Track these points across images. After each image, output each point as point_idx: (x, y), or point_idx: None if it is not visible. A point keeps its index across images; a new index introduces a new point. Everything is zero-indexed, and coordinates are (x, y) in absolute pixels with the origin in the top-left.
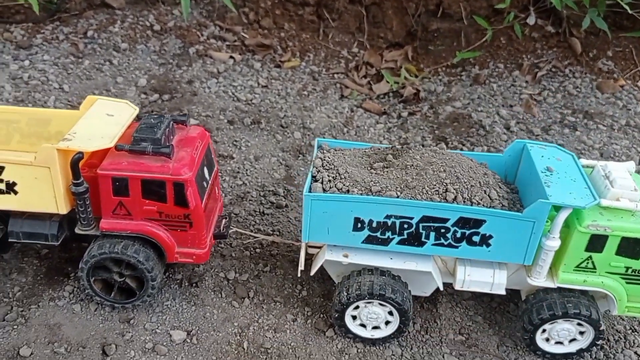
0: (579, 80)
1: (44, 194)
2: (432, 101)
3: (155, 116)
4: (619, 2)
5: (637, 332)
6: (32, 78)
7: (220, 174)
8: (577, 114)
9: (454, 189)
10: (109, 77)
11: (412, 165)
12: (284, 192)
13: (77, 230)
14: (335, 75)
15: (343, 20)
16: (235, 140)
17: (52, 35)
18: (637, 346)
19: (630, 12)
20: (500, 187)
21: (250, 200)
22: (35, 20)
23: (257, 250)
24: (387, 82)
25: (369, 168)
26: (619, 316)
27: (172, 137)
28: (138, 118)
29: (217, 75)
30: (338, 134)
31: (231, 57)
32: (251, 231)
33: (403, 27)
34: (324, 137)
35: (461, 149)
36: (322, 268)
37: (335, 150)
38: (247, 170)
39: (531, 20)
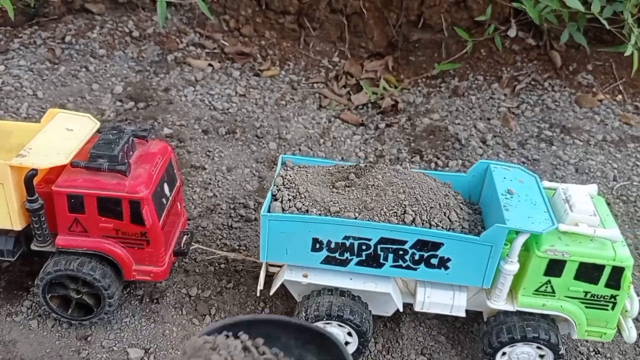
0: (558, 94)
1: None
2: (410, 113)
3: (115, 131)
4: (598, 17)
5: (600, 354)
6: (6, 84)
7: (190, 185)
8: (554, 128)
9: (413, 211)
10: (84, 84)
11: (373, 185)
12: (254, 204)
13: (33, 247)
14: (315, 85)
15: (324, 30)
16: (209, 151)
17: (30, 40)
18: None
19: (608, 27)
20: (461, 209)
21: (219, 213)
22: (14, 24)
23: (222, 265)
24: (366, 92)
25: (331, 187)
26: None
27: (131, 153)
28: (99, 132)
29: (195, 83)
30: (314, 145)
31: (210, 65)
32: (217, 246)
33: (384, 37)
34: (299, 148)
35: (435, 163)
36: (284, 286)
37: (299, 168)
38: (218, 181)
39: (512, 33)
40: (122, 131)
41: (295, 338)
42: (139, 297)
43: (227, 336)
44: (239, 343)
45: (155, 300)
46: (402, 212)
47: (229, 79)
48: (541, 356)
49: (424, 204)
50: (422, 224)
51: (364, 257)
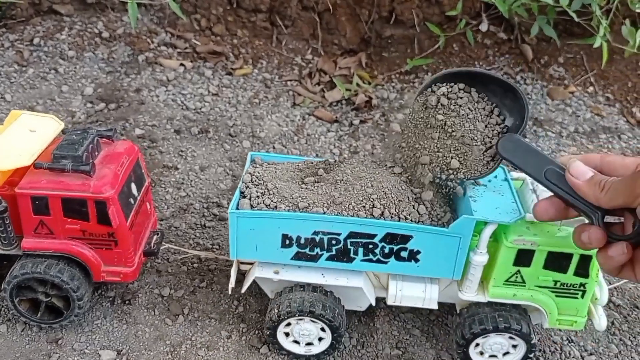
0: (530, 87)
1: None
2: (384, 108)
3: (79, 132)
4: (566, 10)
5: (574, 343)
6: None
7: (163, 185)
8: None
9: (381, 204)
10: (54, 86)
11: (342, 180)
12: (227, 203)
13: None
14: (288, 83)
15: (296, 27)
16: (181, 150)
17: None
18: (573, 357)
19: (577, 20)
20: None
21: (192, 212)
22: None
23: (195, 265)
24: (340, 89)
25: (299, 183)
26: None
27: (96, 153)
28: (64, 133)
29: (167, 83)
30: (288, 143)
31: (182, 64)
32: (189, 246)
33: (357, 34)
34: (273, 146)
35: None
36: (257, 283)
37: (268, 165)
38: (191, 181)
39: (483, 27)
40: (86, 131)
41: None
42: (111, 298)
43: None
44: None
45: (127, 302)
46: (371, 206)
47: (202, 79)
48: (514, 346)
49: (392, 197)
50: (391, 217)
51: (334, 252)
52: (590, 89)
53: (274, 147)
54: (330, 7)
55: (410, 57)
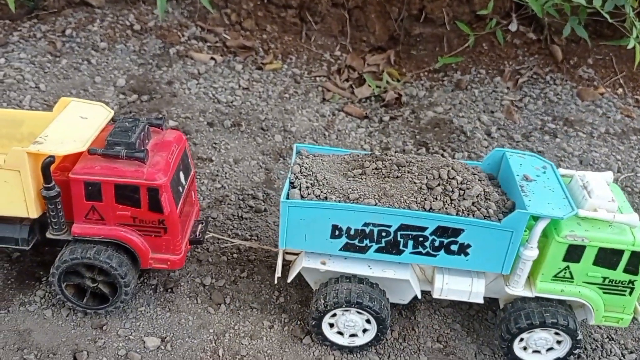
0: (560, 87)
1: (14, 197)
2: (413, 106)
3: (130, 119)
4: (599, 10)
5: (614, 341)
6: (8, 76)
7: (198, 177)
8: (557, 120)
9: (433, 197)
10: (86, 77)
11: (391, 172)
12: (263, 196)
13: (48, 235)
14: (317, 79)
15: (326, 23)
16: (215, 143)
17: (30, 33)
18: (614, 355)
19: (610, 20)
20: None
21: (228, 204)
22: (12, 17)
23: (235, 255)
24: (369, 86)
25: (347, 175)
26: (596, 325)
27: (147, 141)
28: (113, 121)
29: (198, 76)
30: (319, 138)
31: (212, 58)
32: (229, 236)
33: (386, 31)
34: (304, 141)
35: (442, 155)
36: (299, 274)
37: (314, 156)
38: (226, 173)
39: (513, 27)
40: (137, 119)
41: None
42: (153, 286)
43: None
44: None
45: (169, 290)
46: (423, 199)
47: (232, 72)
48: (558, 342)
49: (447, 190)
50: (446, 209)
51: (383, 244)
52: (620, 90)
53: (305, 142)
54: (365, 4)
55: (440, 56)
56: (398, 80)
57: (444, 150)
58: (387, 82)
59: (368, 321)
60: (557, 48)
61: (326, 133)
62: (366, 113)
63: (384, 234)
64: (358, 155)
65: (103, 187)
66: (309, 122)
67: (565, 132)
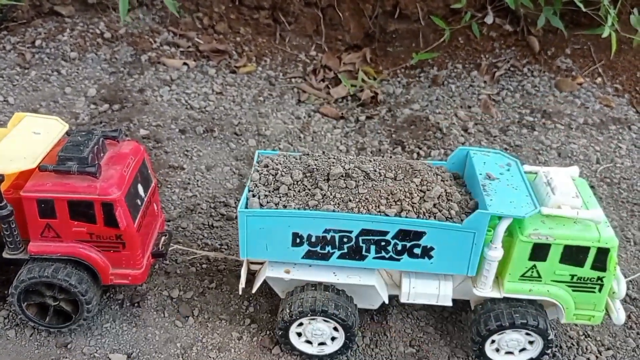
0: (538, 79)
1: None
2: (390, 104)
3: (84, 133)
4: (573, 0)
5: (590, 338)
6: None
7: (169, 186)
8: (535, 113)
9: (394, 201)
10: (56, 88)
11: (353, 177)
12: (235, 202)
13: (5, 255)
14: (293, 80)
15: (300, 24)
16: (187, 150)
17: None
18: (590, 352)
19: (584, 10)
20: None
21: (199, 212)
22: None
23: (204, 266)
24: (345, 85)
25: (308, 181)
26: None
27: (101, 154)
28: (68, 135)
29: (170, 82)
30: (294, 141)
31: (185, 63)
32: (198, 246)
33: (361, 29)
34: (279, 144)
35: (418, 153)
36: (267, 283)
37: (275, 163)
38: (197, 181)
39: (489, 20)
40: (91, 133)
41: None
42: (119, 301)
43: None
44: None
45: (136, 304)
46: (384, 203)
47: (205, 77)
48: (530, 342)
49: (405, 193)
50: (406, 213)
51: (345, 250)
52: (599, 80)
53: (280, 145)
54: (334, 3)
55: (416, 52)
56: (374, 79)
57: (420, 149)
58: (363, 80)
59: (335, 329)
60: (533, 39)
61: (301, 135)
62: (342, 113)
63: (345, 239)
64: (322, 159)
65: (56, 204)
66: (284, 124)
67: (543, 125)
